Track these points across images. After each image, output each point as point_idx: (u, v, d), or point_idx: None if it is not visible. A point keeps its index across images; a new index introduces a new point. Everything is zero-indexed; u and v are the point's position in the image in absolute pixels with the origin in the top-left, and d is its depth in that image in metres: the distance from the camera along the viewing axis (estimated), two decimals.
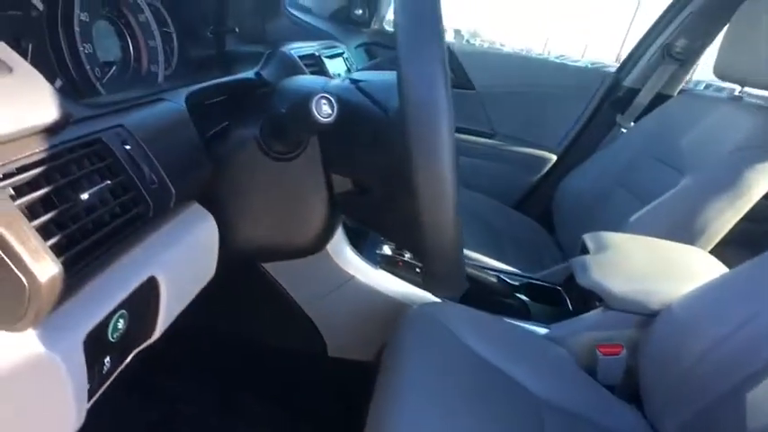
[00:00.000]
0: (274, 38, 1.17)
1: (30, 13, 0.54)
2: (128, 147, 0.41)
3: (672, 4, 1.61)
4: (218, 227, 0.55)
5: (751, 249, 1.51)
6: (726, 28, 1.29)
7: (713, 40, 1.55)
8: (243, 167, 0.57)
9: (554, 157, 1.80)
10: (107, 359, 0.39)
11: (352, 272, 0.93)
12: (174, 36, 0.78)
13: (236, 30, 0.82)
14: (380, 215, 0.58)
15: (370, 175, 0.56)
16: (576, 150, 1.77)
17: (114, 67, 0.63)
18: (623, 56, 1.83)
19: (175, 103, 0.52)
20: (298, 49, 0.90)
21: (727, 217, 1.17)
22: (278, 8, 1.22)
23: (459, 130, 1.84)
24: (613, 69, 1.80)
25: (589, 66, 1.91)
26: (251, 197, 0.58)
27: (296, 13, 1.32)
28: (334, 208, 0.62)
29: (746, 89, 1.30)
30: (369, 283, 0.95)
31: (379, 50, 1.74)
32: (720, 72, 1.28)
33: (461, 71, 1.77)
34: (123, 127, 0.43)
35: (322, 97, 0.46)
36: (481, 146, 1.82)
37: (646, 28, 1.71)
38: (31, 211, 0.33)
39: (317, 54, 0.96)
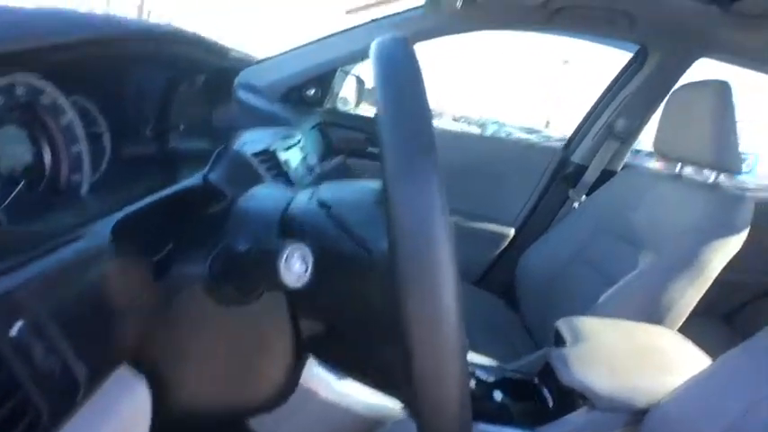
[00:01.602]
0: (224, 124, 1.09)
1: None
2: (18, 325, 0.29)
3: (609, 86, 1.71)
4: (152, 391, 0.43)
5: (712, 317, 1.53)
6: (661, 109, 1.36)
7: (650, 119, 1.65)
8: (184, 313, 0.46)
9: (512, 231, 1.79)
10: None
11: (312, 386, 0.81)
12: (106, 136, 0.68)
13: (181, 127, 0.74)
14: (360, 362, 0.49)
15: (347, 321, 0.47)
16: (533, 224, 1.78)
17: (22, 183, 0.51)
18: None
19: (98, 240, 0.41)
20: (250, 144, 0.82)
21: (689, 296, 1.18)
22: (228, 94, 1.15)
23: None
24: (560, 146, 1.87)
25: (538, 143, 1.98)
26: (195, 351, 0.47)
27: (246, 96, 1.26)
28: (302, 354, 0.51)
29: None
30: (332, 399, 0.82)
31: (333, 130, 1.71)
32: (659, 150, 1.34)
33: None
34: (12, 296, 0.30)
35: (295, 249, 0.37)
36: None
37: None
38: None
39: (271, 149, 0.88)
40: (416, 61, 0.40)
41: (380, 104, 0.37)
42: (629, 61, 1.64)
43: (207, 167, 0.69)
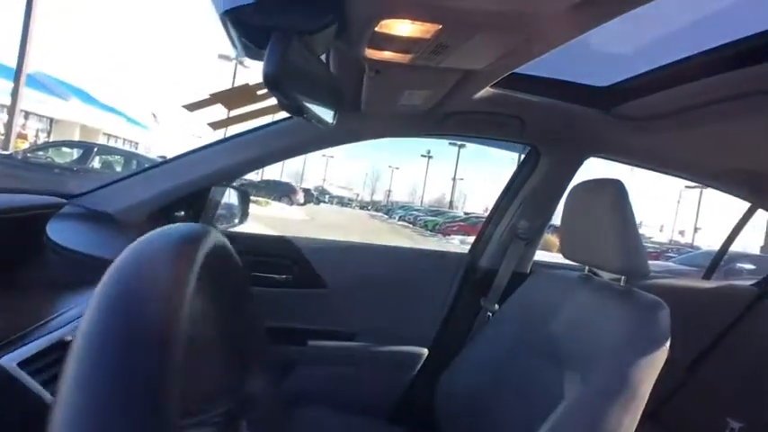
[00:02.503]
0: (32, 282, 0.80)
1: None
2: None
3: (506, 187, 1.67)
4: None
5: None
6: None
7: (551, 218, 1.62)
8: None
9: (426, 351, 1.60)
10: None
11: None
12: None
13: None
14: None
15: None
16: (448, 341, 1.61)
17: None
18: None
19: None
20: (26, 345, 0.55)
21: (627, 425, 1.05)
22: (37, 239, 0.86)
23: (314, 336, 1.60)
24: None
25: (443, 250, 1.87)
26: None
27: (75, 239, 0.97)
28: None
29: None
30: None
31: None
32: (565, 252, 1.27)
33: (309, 269, 1.55)
34: None
35: None
36: (342, 351, 1.55)
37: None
38: None
39: (67, 339, 0.60)
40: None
41: None
42: (523, 161, 1.63)
43: None
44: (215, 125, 1.20)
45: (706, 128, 1.25)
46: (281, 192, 16.28)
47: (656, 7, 1.37)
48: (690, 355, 1.90)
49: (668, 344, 1.09)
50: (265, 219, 10.60)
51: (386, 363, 1.57)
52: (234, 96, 1.10)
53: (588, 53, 1.43)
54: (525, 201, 1.59)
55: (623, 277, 1.18)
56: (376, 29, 0.71)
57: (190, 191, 1.39)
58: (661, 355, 1.08)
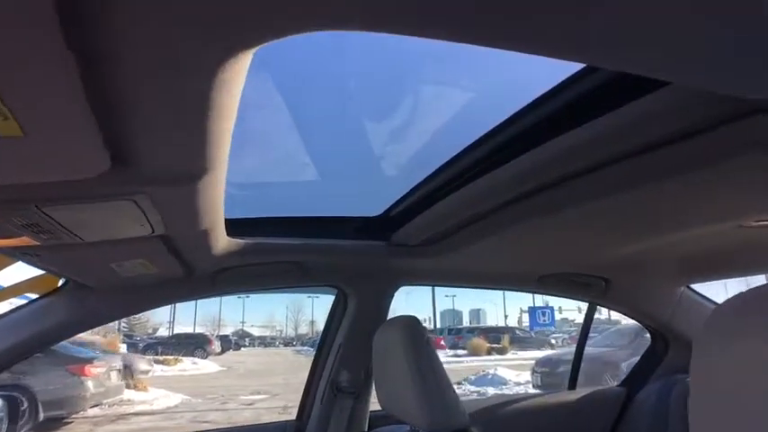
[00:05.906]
0: None
1: None
2: None
3: (321, 341, 1.49)
4: None
5: None
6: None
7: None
8: None
9: None
10: None
11: None
12: None
13: None
14: None
15: None
16: None
17: None
18: None
19: None
20: None
21: None
22: None
23: None
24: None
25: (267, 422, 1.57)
26: None
27: None
28: None
29: None
30: None
31: None
32: (382, 403, 1.11)
33: None
34: None
35: None
36: None
37: None
38: None
39: None
40: None
41: None
42: (333, 306, 1.47)
43: None
44: None
45: (492, 238, 1.13)
46: (194, 344, 14.87)
47: (408, 122, 1.32)
48: None
49: None
50: (170, 380, 9.40)
51: None
52: None
53: (360, 180, 1.37)
54: (342, 348, 1.40)
55: None
56: None
57: None
58: None
